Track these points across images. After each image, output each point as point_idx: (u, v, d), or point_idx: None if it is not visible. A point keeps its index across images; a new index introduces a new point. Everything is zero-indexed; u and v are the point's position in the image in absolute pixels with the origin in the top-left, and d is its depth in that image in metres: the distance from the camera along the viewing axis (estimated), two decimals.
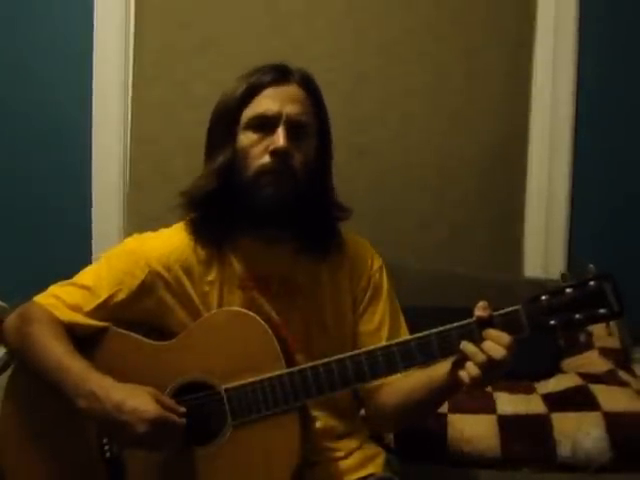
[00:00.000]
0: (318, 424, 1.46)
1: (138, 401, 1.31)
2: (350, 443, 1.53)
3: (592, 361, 2.16)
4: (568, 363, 2.18)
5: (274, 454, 1.36)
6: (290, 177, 1.41)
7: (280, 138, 1.40)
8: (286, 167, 1.41)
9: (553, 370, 2.17)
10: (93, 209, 2.64)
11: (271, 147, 1.40)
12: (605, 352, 2.19)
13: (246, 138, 1.43)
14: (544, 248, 2.60)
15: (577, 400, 1.98)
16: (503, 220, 2.62)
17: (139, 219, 2.60)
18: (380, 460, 1.58)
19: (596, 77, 2.58)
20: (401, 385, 1.47)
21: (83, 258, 2.21)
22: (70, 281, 1.49)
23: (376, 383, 1.47)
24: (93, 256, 2.55)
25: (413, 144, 2.60)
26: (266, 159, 1.41)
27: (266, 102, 1.42)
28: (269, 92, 1.43)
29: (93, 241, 2.63)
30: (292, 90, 1.45)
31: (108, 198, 2.64)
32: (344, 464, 1.51)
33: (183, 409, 1.35)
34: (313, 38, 2.57)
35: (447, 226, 2.60)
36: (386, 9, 2.58)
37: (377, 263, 1.57)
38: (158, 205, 2.59)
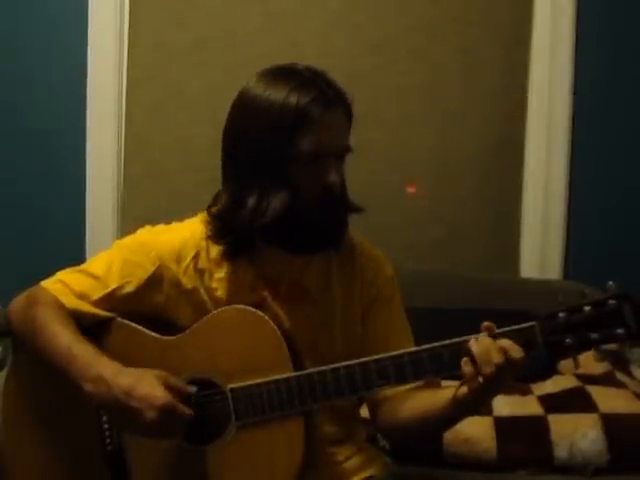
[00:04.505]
0: (318, 427, 1.45)
1: (148, 388, 1.29)
2: (349, 446, 1.52)
3: (589, 362, 2.14)
4: (565, 364, 2.17)
5: (277, 457, 1.35)
6: (338, 204, 1.41)
7: (333, 176, 1.39)
8: (335, 198, 1.40)
9: (550, 371, 2.16)
10: (87, 209, 2.64)
11: (323, 182, 1.38)
12: (602, 353, 2.17)
13: (300, 171, 1.38)
14: (541, 248, 2.60)
15: (574, 402, 1.98)
16: (500, 220, 2.62)
17: (133, 219, 2.59)
18: (379, 463, 1.57)
19: (594, 75, 2.57)
20: (408, 405, 1.44)
21: (77, 258, 2.18)
22: (79, 268, 1.48)
23: (385, 396, 1.46)
24: (87, 256, 2.54)
25: (408, 143, 2.59)
26: (316, 192, 1.38)
27: (321, 138, 1.38)
28: (320, 124, 1.37)
29: (87, 241, 2.63)
30: (339, 118, 1.42)
31: (102, 198, 2.64)
32: (344, 467, 1.50)
33: (193, 388, 1.34)
34: (307, 37, 2.56)
35: (443, 226, 2.59)
36: (381, 7, 2.58)
37: (389, 273, 1.54)
38: (152, 205, 2.61)
